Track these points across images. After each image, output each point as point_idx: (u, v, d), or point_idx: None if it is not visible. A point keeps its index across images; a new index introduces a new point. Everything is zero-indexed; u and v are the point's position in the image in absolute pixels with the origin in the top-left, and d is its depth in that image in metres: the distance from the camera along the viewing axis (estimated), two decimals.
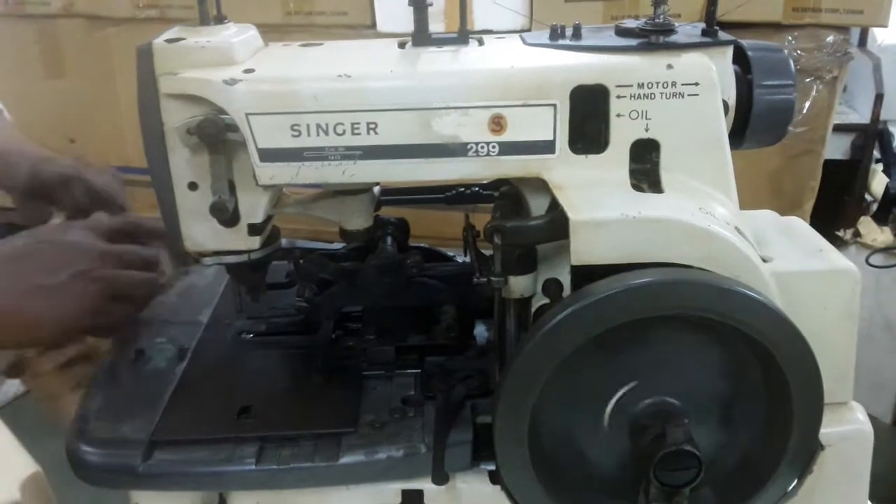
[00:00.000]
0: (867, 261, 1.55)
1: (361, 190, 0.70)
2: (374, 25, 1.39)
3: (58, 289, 0.69)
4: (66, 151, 1.07)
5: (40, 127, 1.59)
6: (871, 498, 0.67)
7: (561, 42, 0.63)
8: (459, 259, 0.81)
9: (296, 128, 0.59)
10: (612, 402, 0.59)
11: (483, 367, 0.71)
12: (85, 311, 0.70)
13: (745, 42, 0.65)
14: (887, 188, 1.55)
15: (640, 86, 0.59)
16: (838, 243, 1.58)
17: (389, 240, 0.77)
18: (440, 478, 0.62)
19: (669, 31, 0.61)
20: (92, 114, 1.61)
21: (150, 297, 0.80)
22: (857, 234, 1.60)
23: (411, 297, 0.75)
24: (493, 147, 0.60)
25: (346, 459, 0.63)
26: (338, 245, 0.80)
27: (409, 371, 0.72)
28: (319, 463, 0.63)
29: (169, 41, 0.60)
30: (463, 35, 0.65)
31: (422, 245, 0.81)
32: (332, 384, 0.71)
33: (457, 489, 0.64)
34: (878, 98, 1.49)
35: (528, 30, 1.30)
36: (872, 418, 0.66)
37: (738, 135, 0.66)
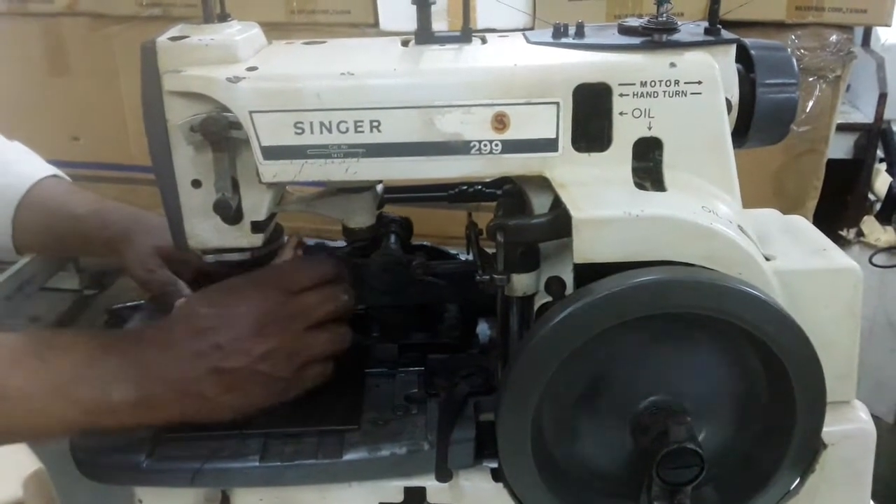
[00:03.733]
0: (870, 260, 1.55)
1: (364, 188, 0.70)
2: (377, 24, 1.40)
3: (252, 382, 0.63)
4: (69, 149, 1.06)
5: (44, 125, 1.60)
6: (873, 497, 0.67)
7: (564, 40, 0.63)
8: (462, 257, 0.81)
9: (299, 125, 0.59)
10: (615, 400, 0.59)
11: (486, 364, 0.71)
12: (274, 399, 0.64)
13: (748, 40, 0.65)
14: (891, 187, 1.55)
15: (643, 84, 0.59)
16: (841, 243, 1.58)
17: (393, 238, 0.77)
18: (443, 475, 0.62)
19: (672, 29, 0.61)
20: (95, 111, 1.61)
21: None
22: (860, 233, 1.60)
23: (414, 295, 0.75)
24: (496, 145, 0.60)
25: (349, 456, 0.63)
26: (341, 243, 0.80)
27: (412, 369, 0.73)
28: (322, 460, 0.63)
29: (172, 39, 0.60)
30: (466, 33, 0.65)
31: (425, 243, 0.81)
32: (335, 381, 0.71)
33: (459, 486, 0.64)
34: (882, 97, 1.49)
35: (532, 28, 1.30)
36: (875, 418, 0.66)
37: (740, 133, 0.66)
